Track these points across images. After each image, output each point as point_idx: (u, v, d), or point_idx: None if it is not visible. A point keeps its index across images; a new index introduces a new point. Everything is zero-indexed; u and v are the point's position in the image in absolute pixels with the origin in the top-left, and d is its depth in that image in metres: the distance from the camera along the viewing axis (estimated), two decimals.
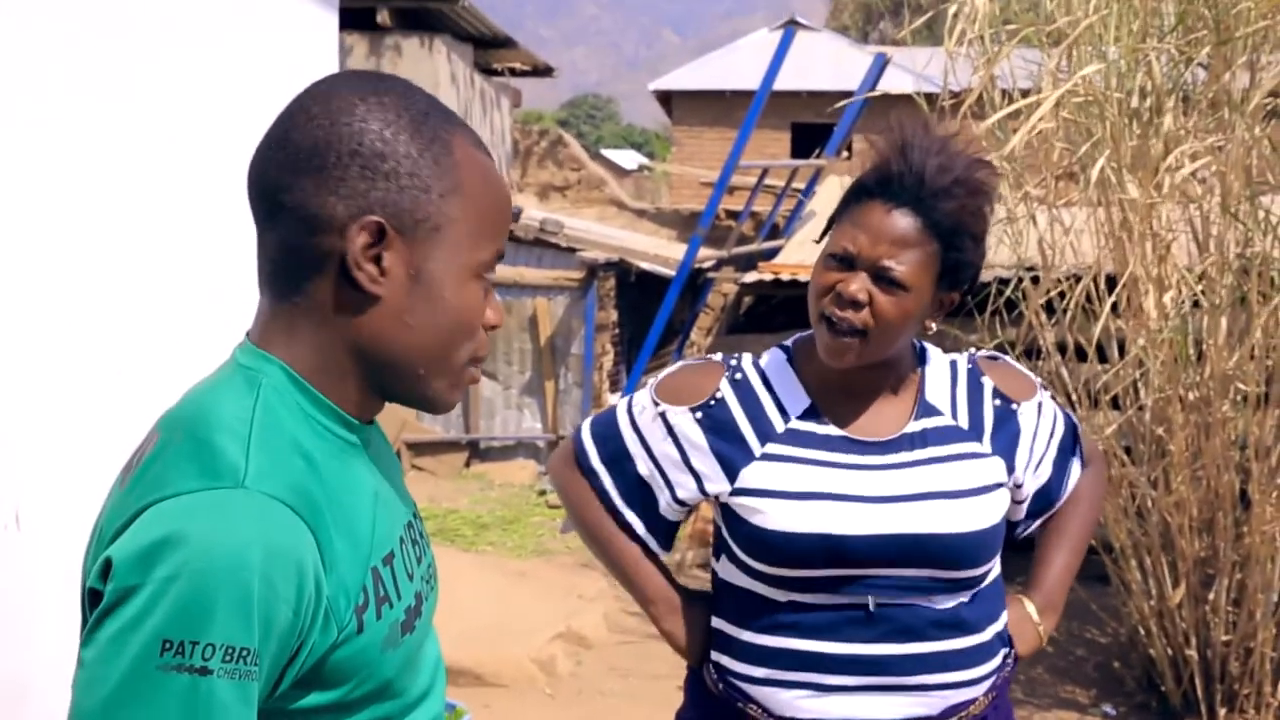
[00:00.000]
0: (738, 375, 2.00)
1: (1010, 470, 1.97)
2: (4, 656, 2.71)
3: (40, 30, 2.83)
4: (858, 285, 1.83)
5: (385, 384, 1.24)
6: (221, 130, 3.42)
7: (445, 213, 1.18)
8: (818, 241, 2.01)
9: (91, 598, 1.09)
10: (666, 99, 20.84)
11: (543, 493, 9.34)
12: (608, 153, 30.95)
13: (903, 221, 1.83)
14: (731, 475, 1.93)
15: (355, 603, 1.15)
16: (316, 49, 3.92)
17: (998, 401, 2.00)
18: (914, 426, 1.94)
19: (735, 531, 1.94)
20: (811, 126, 18.48)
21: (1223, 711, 4.86)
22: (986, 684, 1.96)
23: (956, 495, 1.90)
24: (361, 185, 1.14)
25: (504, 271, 10.40)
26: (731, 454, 1.94)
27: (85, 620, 1.11)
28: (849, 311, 1.84)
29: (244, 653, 1.04)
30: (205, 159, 3.39)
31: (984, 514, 1.91)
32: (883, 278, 1.83)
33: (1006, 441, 1.98)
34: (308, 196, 1.15)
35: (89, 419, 2.91)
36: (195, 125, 3.36)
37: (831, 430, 1.93)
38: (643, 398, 2.03)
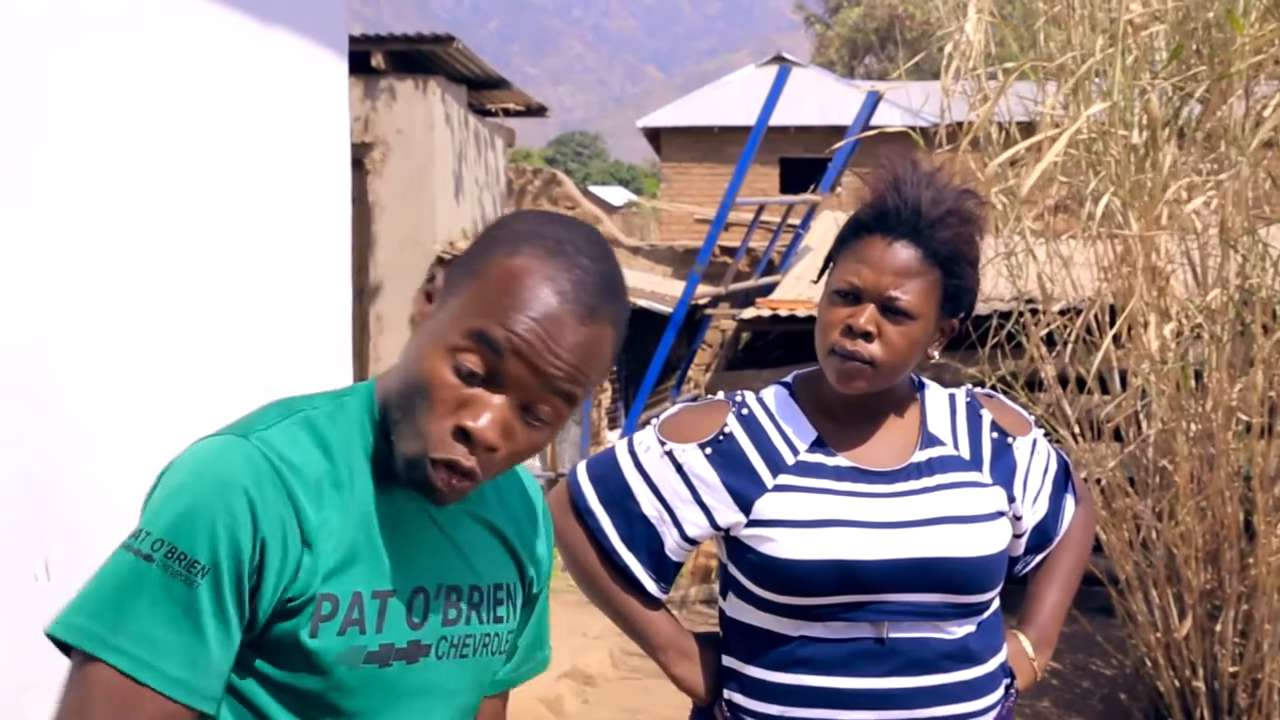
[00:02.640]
0: (744, 410, 2.03)
1: (1010, 500, 2.01)
2: (28, 706, 2.70)
3: (63, 80, 2.86)
4: (866, 317, 1.89)
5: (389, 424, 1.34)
6: (234, 174, 3.45)
7: (460, 278, 1.30)
8: (816, 281, 2.06)
9: None
10: (655, 135, 20.91)
11: None
12: (596, 189, 31.03)
13: (904, 253, 1.89)
14: (745, 508, 1.95)
15: (322, 611, 1.27)
16: (326, 94, 3.96)
17: (995, 434, 2.05)
18: (920, 456, 1.99)
19: (744, 563, 1.96)
20: (800, 161, 18.56)
21: None
22: (992, 714, 1.99)
23: (965, 520, 1.94)
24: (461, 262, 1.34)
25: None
26: (744, 487, 1.96)
27: None
28: (859, 343, 1.89)
29: (182, 556, 1.20)
30: (219, 201, 3.42)
31: (991, 539, 1.95)
32: (889, 308, 1.89)
33: (1005, 473, 2.03)
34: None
35: (116, 469, 2.92)
36: (208, 169, 3.39)
37: (841, 462, 1.97)
38: (646, 438, 2.04)
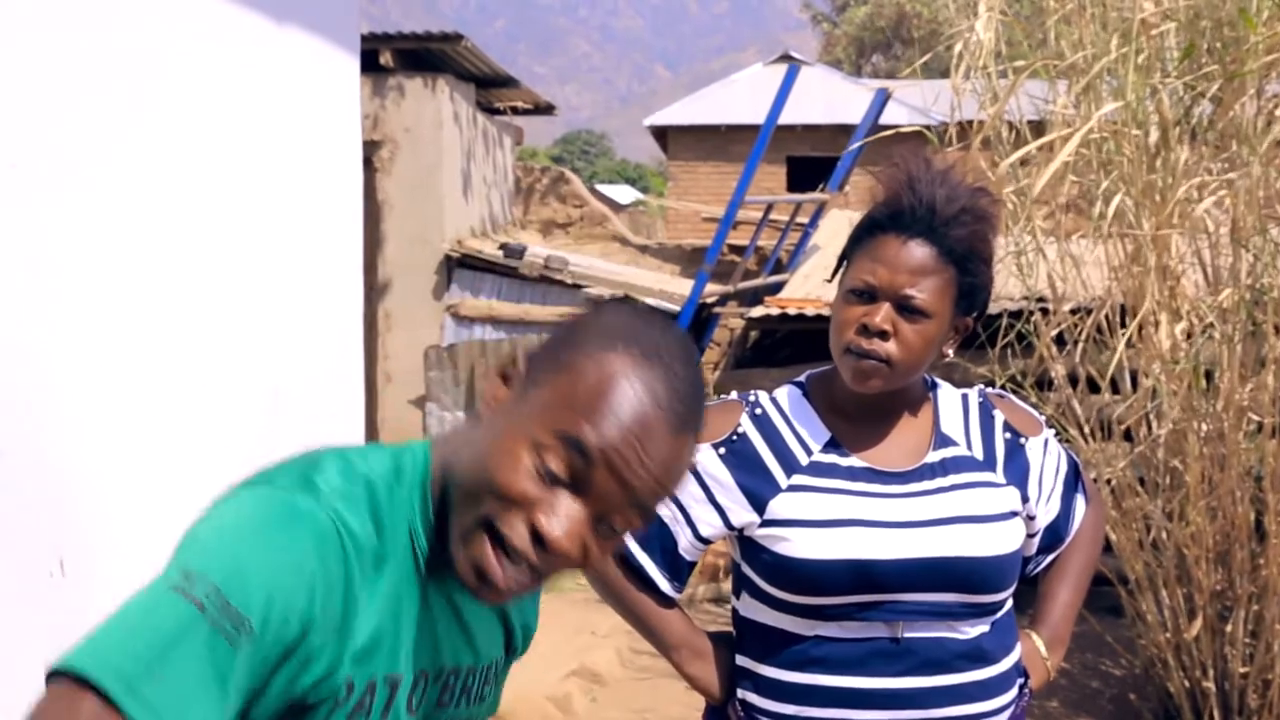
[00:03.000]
0: (758, 410, 2.03)
1: (1024, 500, 2.02)
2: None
3: (74, 78, 2.86)
4: (882, 316, 1.89)
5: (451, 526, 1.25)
6: (246, 171, 3.45)
7: (543, 373, 1.22)
8: (829, 280, 2.06)
9: None
10: (662, 134, 20.90)
11: None
12: (602, 188, 31.02)
13: (919, 251, 1.90)
14: (759, 508, 1.95)
15: (338, 695, 1.19)
16: (338, 92, 3.96)
17: (1008, 435, 2.06)
18: (933, 456, 1.99)
19: (759, 562, 1.96)
20: (807, 160, 18.54)
21: None
22: (1006, 714, 2.00)
23: (980, 520, 1.94)
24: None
25: (509, 309, 10.42)
26: (758, 487, 1.96)
27: None
28: (875, 342, 1.89)
29: (234, 613, 1.08)
30: (231, 199, 3.42)
31: (1006, 539, 1.96)
32: (905, 307, 1.89)
33: (1018, 474, 2.03)
34: None
35: (133, 467, 2.93)
36: (220, 166, 3.39)
37: (855, 462, 1.97)
38: None
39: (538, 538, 1.18)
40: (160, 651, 1.05)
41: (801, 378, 2.10)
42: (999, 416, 2.07)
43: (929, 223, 1.90)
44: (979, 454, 2.02)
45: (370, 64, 10.06)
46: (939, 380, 2.12)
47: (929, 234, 1.90)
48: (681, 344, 1.27)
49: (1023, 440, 2.07)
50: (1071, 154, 4.10)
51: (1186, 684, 4.98)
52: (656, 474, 1.20)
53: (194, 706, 1.05)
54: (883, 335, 1.89)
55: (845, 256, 2.01)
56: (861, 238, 1.97)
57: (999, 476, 2.01)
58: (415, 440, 1.32)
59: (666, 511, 2.00)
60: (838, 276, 2.02)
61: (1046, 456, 2.10)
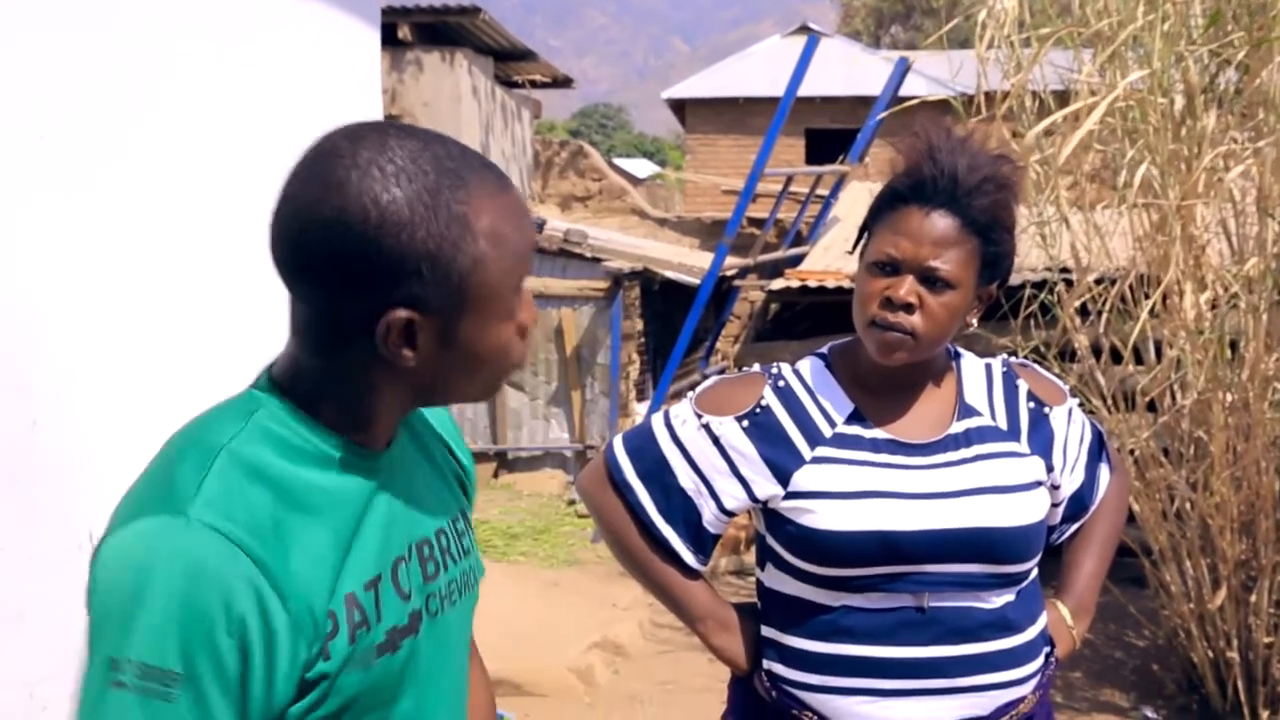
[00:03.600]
0: (780, 383, 2.02)
1: (1049, 469, 2.01)
2: (75, 675, 2.74)
3: (93, 57, 2.87)
4: (907, 288, 1.87)
5: (425, 404, 1.34)
6: (270, 146, 3.45)
7: (469, 288, 1.22)
8: (850, 253, 2.04)
9: None
10: (680, 107, 20.83)
11: (572, 502, 9.35)
12: (620, 161, 30.98)
13: (941, 222, 1.88)
14: (783, 480, 1.94)
15: (324, 631, 1.20)
16: (359, 65, 3.96)
17: (1032, 404, 2.05)
18: (957, 427, 1.98)
19: (784, 534, 1.96)
20: (826, 132, 18.48)
21: (1265, 714, 4.84)
22: (1033, 682, 2.00)
23: (1005, 490, 1.93)
24: (384, 289, 1.19)
25: (529, 282, 10.42)
26: (782, 459, 1.95)
27: None
28: (900, 315, 1.88)
29: (164, 675, 1.10)
30: (255, 175, 3.42)
31: (1031, 509, 1.95)
32: (929, 278, 1.88)
33: (1042, 443, 2.02)
34: (331, 298, 1.21)
35: (160, 440, 2.94)
36: (243, 141, 3.40)
37: (878, 434, 1.96)
38: (683, 410, 2.04)
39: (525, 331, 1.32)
40: None
41: (824, 349, 2.09)
42: (1023, 386, 2.07)
43: (951, 193, 1.88)
44: (1003, 424, 2.01)
45: (388, 38, 10.06)
46: (962, 350, 2.11)
47: (951, 204, 1.88)
48: (421, 139, 1.24)
49: (1047, 410, 2.06)
50: (1097, 122, 4.07)
51: (1210, 654, 4.98)
52: (530, 214, 1.35)
53: None
54: (907, 308, 1.88)
55: (866, 228, 1.99)
56: (883, 209, 1.95)
57: (1023, 446, 2.00)
58: (257, 381, 1.32)
59: (690, 484, 2.00)
60: (859, 249, 2.01)
61: (1071, 426, 2.09)
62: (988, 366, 2.09)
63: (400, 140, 1.21)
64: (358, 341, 1.22)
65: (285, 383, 1.27)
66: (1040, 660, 2.02)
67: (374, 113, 4.13)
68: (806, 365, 2.06)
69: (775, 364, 2.08)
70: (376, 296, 1.19)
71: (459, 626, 1.41)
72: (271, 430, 1.23)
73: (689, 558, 2.04)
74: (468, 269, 1.20)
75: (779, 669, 1.99)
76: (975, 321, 1.99)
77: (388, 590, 1.28)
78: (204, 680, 1.12)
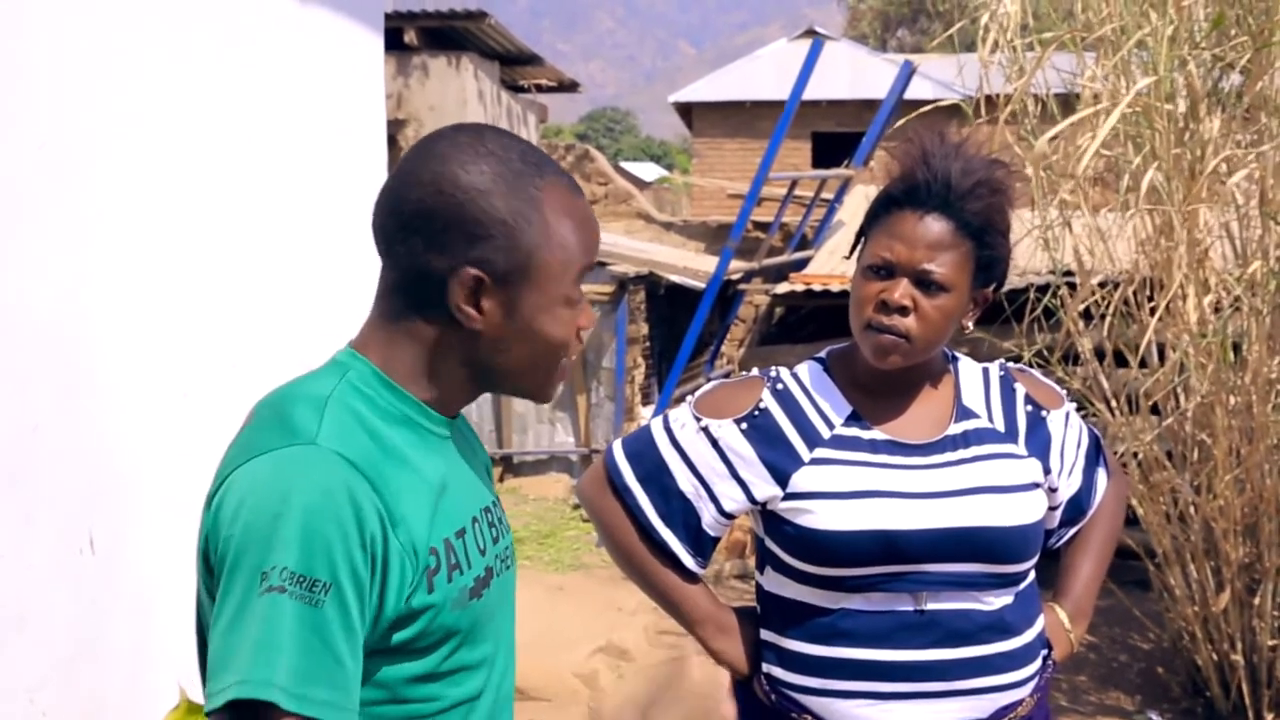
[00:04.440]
0: (779, 385, 2.04)
1: (1047, 472, 2.02)
2: (78, 678, 2.75)
3: (101, 65, 2.88)
4: (901, 291, 1.89)
5: (487, 385, 1.47)
6: (273, 151, 3.47)
7: (534, 262, 1.38)
8: (848, 256, 2.06)
9: (204, 560, 1.32)
10: (687, 111, 20.82)
11: (577, 506, 9.36)
12: (627, 165, 31.00)
13: (935, 226, 1.90)
14: (782, 481, 1.96)
15: (426, 565, 1.34)
16: (363, 72, 3.97)
17: (1029, 407, 2.06)
18: (955, 429, 2.00)
19: (782, 536, 1.97)
20: (832, 136, 18.47)
21: (1270, 716, 4.84)
22: (1031, 685, 2.01)
23: (1003, 490, 1.95)
24: (461, 246, 1.36)
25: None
26: (780, 461, 1.96)
27: (205, 582, 1.33)
28: (895, 318, 1.90)
29: (313, 583, 1.24)
30: (258, 181, 3.44)
31: (1029, 509, 1.96)
32: (924, 282, 1.90)
33: (1040, 446, 2.04)
34: (417, 253, 1.37)
35: (162, 447, 2.96)
36: (247, 147, 3.41)
37: (876, 435, 1.98)
38: (681, 414, 2.06)
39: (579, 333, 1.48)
40: (292, 649, 1.22)
41: (822, 353, 2.11)
42: (1020, 390, 2.08)
43: (945, 197, 1.90)
44: (1000, 426, 2.02)
45: (395, 43, 10.07)
46: (959, 354, 2.12)
47: (945, 208, 1.90)
48: (512, 138, 1.43)
49: (1044, 413, 2.07)
50: (1109, 129, 4.07)
51: (1214, 657, 4.98)
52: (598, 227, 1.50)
53: (335, 670, 1.24)
54: (902, 311, 1.90)
55: (863, 233, 2.01)
56: (878, 214, 1.97)
57: (1021, 448, 2.01)
58: (337, 354, 1.45)
59: (690, 487, 2.01)
60: (855, 253, 2.02)
61: (1068, 430, 2.10)
62: (985, 370, 2.10)
63: (495, 134, 1.41)
64: (434, 304, 1.38)
65: (365, 349, 1.42)
66: (1038, 663, 2.03)
67: (378, 118, 4.14)
68: (805, 369, 2.08)
69: (774, 368, 2.10)
70: (453, 255, 1.36)
71: (510, 591, 1.56)
72: (361, 390, 1.39)
73: (688, 561, 2.05)
74: (535, 244, 1.38)
75: (778, 672, 2.00)
76: (971, 325, 2.00)
77: (471, 543, 1.43)
78: (345, 589, 1.25)
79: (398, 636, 1.34)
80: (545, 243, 1.39)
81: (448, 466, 1.44)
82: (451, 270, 1.36)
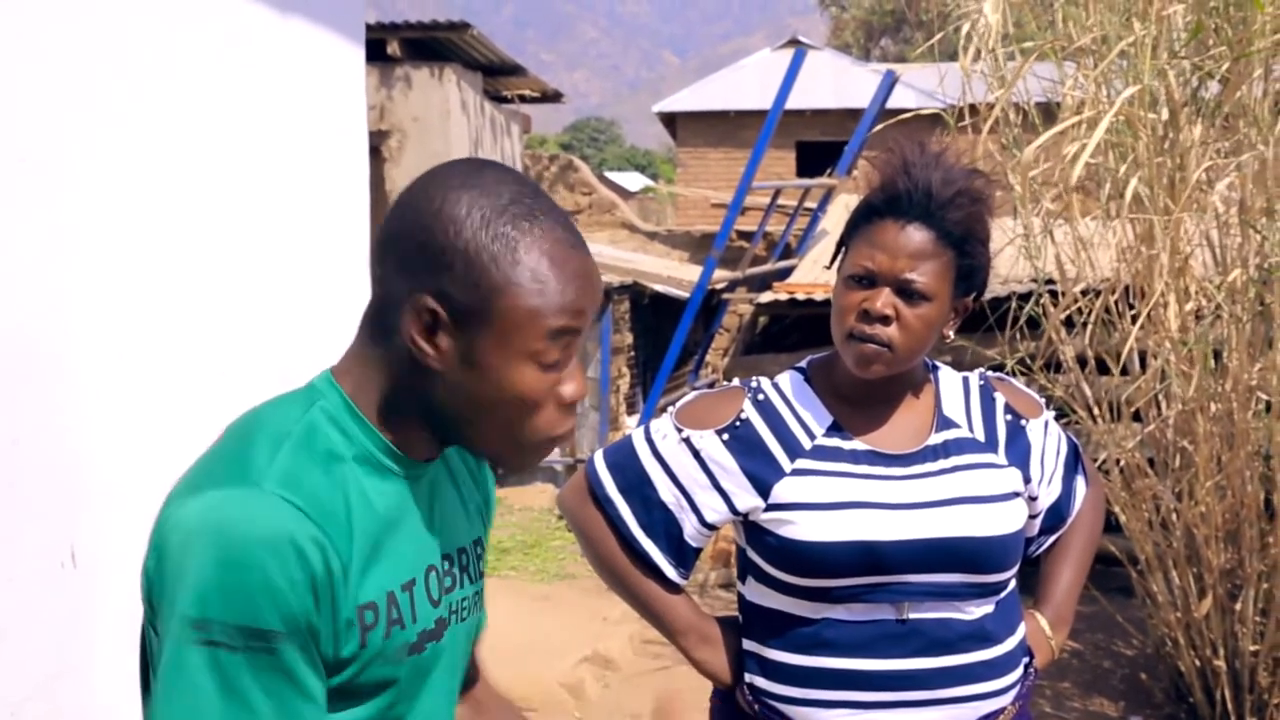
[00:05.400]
0: (760, 396, 2.04)
1: (1026, 481, 2.03)
2: (61, 692, 2.74)
3: (79, 73, 2.88)
4: (883, 301, 1.90)
5: (447, 437, 1.38)
6: (252, 164, 3.47)
7: (494, 306, 1.27)
8: (829, 266, 2.07)
9: (146, 593, 1.27)
10: (670, 120, 20.82)
11: (562, 516, 9.34)
12: (612, 175, 31.02)
13: (917, 235, 1.91)
14: (764, 492, 1.96)
15: (366, 621, 1.28)
16: (344, 83, 3.97)
17: (1009, 417, 2.07)
18: (936, 439, 2.00)
19: (764, 546, 1.97)
20: (816, 145, 18.51)
21: None
22: (1012, 693, 2.01)
23: (984, 500, 1.96)
24: (424, 273, 1.28)
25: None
26: (762, 471, 1.97)
27: (148, 614, 1.29)
28: (877, 327, 1.90)
29: (258, 633, 1.19)
30: (238, 193, 3.44)
31: (1009, 519, 1.97)
32: (905, 291, 1.91)
33: (1019, 455, 2.04)
34: (390, 273, 1.31)
35: (144, 458, 2.95)
36: (227, 160, 3.41)
37: (858, 445, 1.98)
38: (663, 425, 2.06)
39: (568, 406, 1.35)
40: (235, 704, 1.19)
41: (803, 363, 2.12)
42: (1000, 399, 2.09)
43: (926, 206, 1.91)
44: (980, 436, 2.03)
45: (377, 54, 10.06)
46: (939, 364, 2.13)
47: (926, 218, 1.91)
48: (516, 180, 1.33)
49: (1023, 422, 2.08)
50: (1082, 136, 4.09)
51: (1197, 663, 4.99)
52: (600, 295, 1.36)
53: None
54: (884, 320, 1.90)
55: (843, 242, 2.02)
56: (859, 224, 1.98)
57: (1001, 458, 2.02)
58: (315, 379, 1.39)
59: (671, 498, 2.01)
60: (837, 263, 2.03)
61: (1047, 438, 2.11)
62: (965, 380, 2.11)
63: (496, 170, 1.33)
64: (396, 329, 1.30)
65: (341, 376, 1.36)
66: (1019, 671, 2.04)
67: (359, 129, 4.14)
68: (785, 379, 2.08)
69: (755, 378, 2.10)
70: (417, 279, 1.28)
71: (463, 642, 1.48)
72: (326, 422, 1.32)
73: (670, 572, 2.05)
74: (497, 286, 1.27)
75: (761, 682, 2.00)
76: (952, 334, 2.01)
77: (421, 594, 1.36)
78: (299, 636, 1.21)
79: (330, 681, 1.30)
80: (511, 288, 1.27)
81: (408, 511, 1.37)
82: (409, 295, 1.28)
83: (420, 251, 1.28)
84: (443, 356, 1.29)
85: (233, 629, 1.18)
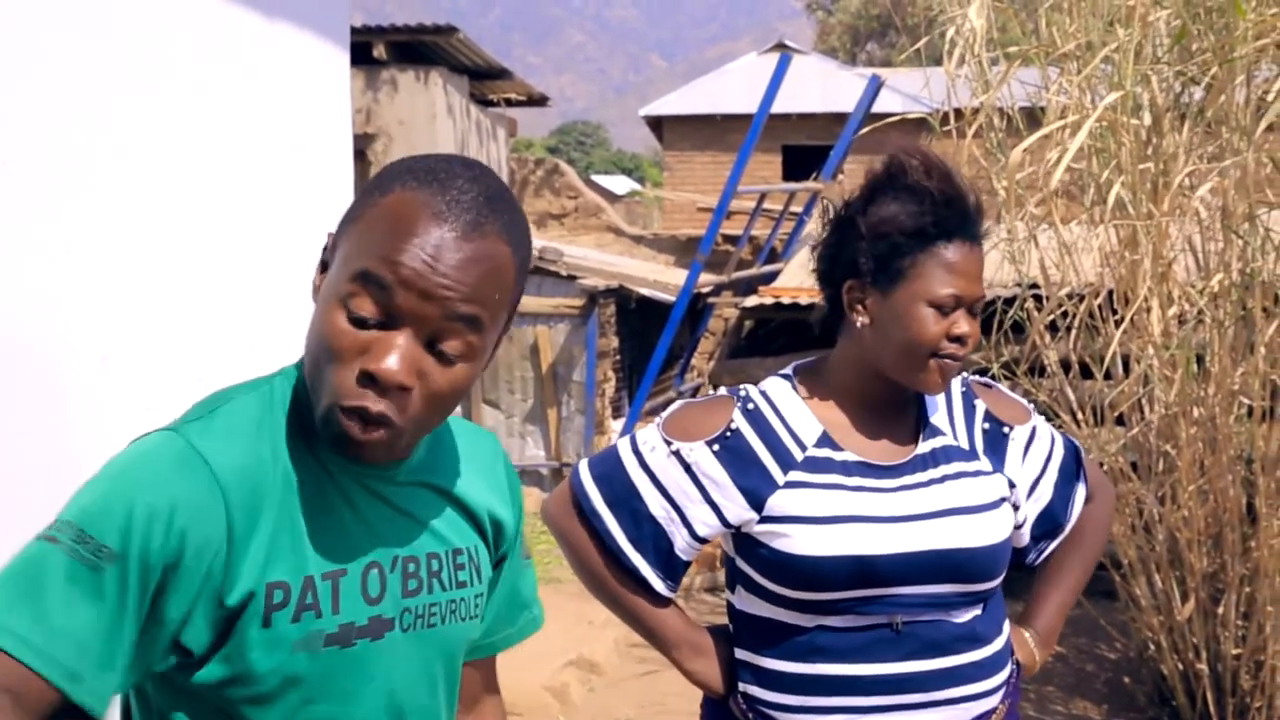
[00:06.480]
0: (749, 405, 2.01)
1: (1011, 486, 2.03)
2: None
3: (65, 76, 2.87)
4: (969, 324, 1.92)
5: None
6: (237, 167, 3.47)
7: (341, 242, 1.28)
8: (831, 287, 2.03)
9: None
10: (657, 124, 20.83)
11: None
12: (599, 178, 31.00)
13: (976, 254, 1.94)
14: (757, 505, 1.93)
15: (274, 600, 1.24)
16: (329, 86, 3.97)
17: (987, 425, 2.05)
18: (923, 447, 1.99)
19: (756, 558, 1.96)
20: (802, 149, 18.54)
21: None
22: (1001, 692, 2.01)
23: (973, 510, 1.95)
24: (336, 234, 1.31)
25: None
26: (755, 484, 1.94)
27: None
28: (963, 348, 1.93)
29: (89, 540, 1.17)
30: (223, 196, 3.43)
31: (998, 528, 1.97)
32: (973, 309, 1.94)
33: (1001, 462, 2.04)
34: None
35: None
36: (211, 163, 3.41)
37: (848, 456, 1.96)
38: (650, 437, 2.02)
39: (371, 379, 1.22)
40: (27, 590, 1.16)
41: (788, 370, 2.09)
42: (980, 406, 2.07)
43: (978, 224, 1.95)
44: (964, 443, 2.02)
45: (363, 57, 10.06)
46: None
47: (976, 235, 1.95)
48: (464, 163, 1.30)
49: (1006, 430, 2.06)
50: (1069, 141, 4.11)
51: (1180, 666, 5.01)
52: (458, 279, 1.22)
53: (67, 624, 1.15)
54: (965, 342, 1.93)
55: (889, 261, 1.93)
56: (918, 245, 1.92)
57: (985, 464, 2.01)
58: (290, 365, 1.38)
59: (661, 512, 1.98)
60: (868, 284, 1.97)
61: (1035, 444, 2.10)
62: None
63: (449, 158, 1.31)
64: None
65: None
66: (1008, 670, 2.04)
67: (344, 133, 4.14)
68: (773, 387, 2.05)
69: (742, 387, 2.07)
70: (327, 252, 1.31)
71: (429, 649, 1.41)
72: (278, 403, 1.31)
73: (659, 586, 2.02)
74: (347, 220, 1.29)
75: (755, 691, 1.99)
76: None
77: (351, 587, 1.31)
78: (131, 565, 1.17)
79: (221, 669, 1.25)
80: (355, 223, 1.27)
81: (343, 505, 1.32)
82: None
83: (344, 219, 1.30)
84: (316, 286, 1.30)
85: (74, 529, 1.17)
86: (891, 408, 2.02)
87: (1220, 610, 4.84)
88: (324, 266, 1.30)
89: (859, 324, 1.97)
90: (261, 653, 1.25)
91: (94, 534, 1.17)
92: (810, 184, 11.50)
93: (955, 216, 1.91)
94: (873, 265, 1.95)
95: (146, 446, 1.24)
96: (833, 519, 1.91)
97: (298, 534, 1.27)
